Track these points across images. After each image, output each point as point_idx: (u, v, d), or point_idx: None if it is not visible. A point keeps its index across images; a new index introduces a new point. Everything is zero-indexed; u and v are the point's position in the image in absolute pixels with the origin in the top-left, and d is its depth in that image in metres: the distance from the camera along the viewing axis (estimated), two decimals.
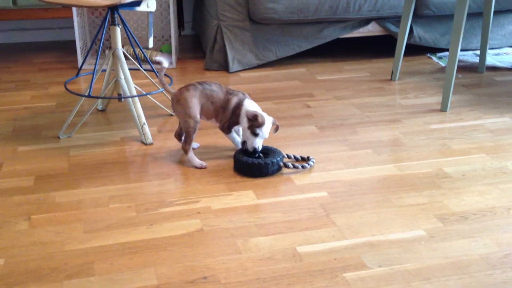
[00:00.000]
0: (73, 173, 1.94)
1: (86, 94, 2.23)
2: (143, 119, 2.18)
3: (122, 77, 2.25)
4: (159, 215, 1.69)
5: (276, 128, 2.01)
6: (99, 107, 2.49)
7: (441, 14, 3.09)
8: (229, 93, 1.98)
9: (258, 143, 1.93)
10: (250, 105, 1.96)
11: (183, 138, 2.01)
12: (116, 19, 2.20)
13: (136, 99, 2.20)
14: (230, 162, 2.02)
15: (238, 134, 2.07)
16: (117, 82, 2.27)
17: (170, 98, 2.01)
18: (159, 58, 1.98)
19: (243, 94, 2.00)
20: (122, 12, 3.17)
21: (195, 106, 1.94)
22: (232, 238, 1.58)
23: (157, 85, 2.46)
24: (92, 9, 3.24)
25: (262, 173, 1.90)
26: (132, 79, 2.27)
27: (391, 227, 1.62)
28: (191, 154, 1.98)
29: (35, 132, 2.27)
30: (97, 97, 2.26)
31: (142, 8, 2.21)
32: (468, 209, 1.71)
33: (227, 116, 1.98)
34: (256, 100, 2.58)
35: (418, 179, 1.89)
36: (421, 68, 3.05)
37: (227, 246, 1.54)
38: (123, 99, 2.32)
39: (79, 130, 2.27)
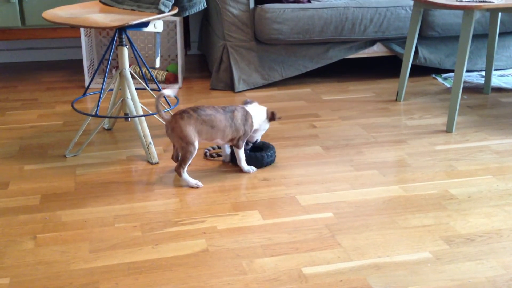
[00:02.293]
0: (79, 192, 1.95)
1: (93, 113, 2.25)
2: (149, 139, 2.19)
3: (129, 96, 2.26)
4: (164, 235, 1.69)
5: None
6: (106, 126, 2.50)
7: (446, 35, 3.11)
8: (228, 111, 2.01)
9: (259, 136, 2.15)
10: (255, 109, 2.07)
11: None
12: (123, 39, 2.23)
13: (143, 118, 2.21)
14: (235, 182, 2.02)
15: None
16: (124, 102, 2.29)
17: (164, 124, 2.00)
18: (167, 91, 1.97)
19: (239, 106, 2.05)
20: (130, 31, 3.20)
21: (191, 133, 1.93)
22: (237, 258, 1.57)
23: (164, 105, 2.48)
24: (100, 29, 3.27)
25: (263, 164, 2.12)
26: (139, 99, 2.28)
27: (397, 248, 1.61)
28: (185, 175, 1.98)
29: (41, 150, 2.28)
30: (104, 117, 2.28)
31: (150, 29, 2.23)
32: (474, 231, 1.70)
33: (240, 132, 2.01)
34: None
35: (424, 201, 1.88)
36: (427, 89, 3.06)
37: (232, 266, 1.54)
38: (129, 119, 2.34)
39: (85, 149, 2.28)
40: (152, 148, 2.19)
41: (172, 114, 1.98)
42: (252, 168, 2.09)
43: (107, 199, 1.90)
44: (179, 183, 2.01)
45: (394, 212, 1.81)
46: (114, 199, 1.90)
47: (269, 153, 2.13)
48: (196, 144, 1.96)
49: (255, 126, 2.06)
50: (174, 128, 1.94)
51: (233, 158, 2.14)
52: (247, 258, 1.58)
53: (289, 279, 1.48)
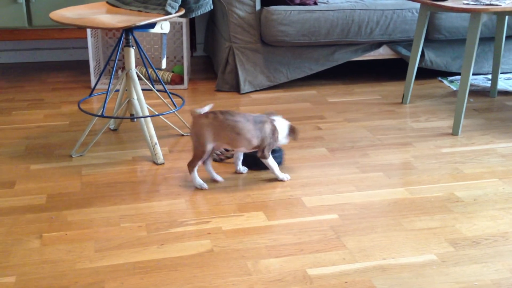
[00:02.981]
0: (85, 192, 1.95)
1: (99, 113, 2.25)
2: (155, 139, 2.20)
3: (135, 97, 2.27)
4: (169, 235, 1.69)
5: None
6: (112, 127, 2.51)
7: (452, 38, 3.10)
8: (258, 121, 1.97)
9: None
10: (281, 122, 2.03)
11: (243, 167, 2.10)
12: (130, 40, 2.24)
13: (148, 119, 2.22)
14: (241, 183, 2.02)
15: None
16: (130, 102, 2.29)
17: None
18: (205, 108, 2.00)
19: (267, 117, 2.01)
20: (137, 33, 3.21)
21: (207, 135, 1.92)
22: (242, 259, 1.57)
23: (169, 106, 2.48)
24: (107, 30, 3.28)
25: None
26: (145, 100, 2.29)
27: (402, 251, 1.61)
28: (193, 174, 1.98)
29: (47, 150, 2.29)
30: (110, 117, 2.29)
31: (156, 30, 2.24)
32: (480, 234, 1.70)
33: (267, 143, 1.98)
34: None
35: (430, 203, 1.88)
36: (433, 92, 3.05)
37: (237, 267, 1.54)
38: (135, 119, 2.35)
39: (91, 149, 2.29)
40: (158, 148, 2.19)
41: (204, 113, 1.97)
42: (286, 176, 2.04)
43: (113, 199, 1.90)
44: (184, 183, 2.02)
45: (400, 214, 1.81)
46: (119, 199, 1.91)
47: (277, 155, 2.11)
48: (208, 148, 1.94)
49: (283, 139, 2.04)
50: (194, 124, 1.95)
51: (250, 165, 2.13)
52: (252, 258, 1.58)
53: (294, 280, 1.48)
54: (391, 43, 3.12)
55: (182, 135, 2.46)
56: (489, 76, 3.19)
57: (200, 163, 1.98)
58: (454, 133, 2.46)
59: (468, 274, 1.50)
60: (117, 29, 2.08)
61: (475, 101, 2.90)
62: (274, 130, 1.99)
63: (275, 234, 1.70)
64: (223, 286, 1.46)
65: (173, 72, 3.23)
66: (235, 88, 3.06)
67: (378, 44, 3.12)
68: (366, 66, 3.49)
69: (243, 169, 2.11)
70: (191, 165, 1.98)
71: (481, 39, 3.12)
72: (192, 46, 3.71)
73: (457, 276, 1.49)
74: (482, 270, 1.52)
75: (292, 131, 2.04)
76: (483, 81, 3.17)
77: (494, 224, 1.75)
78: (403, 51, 3.12)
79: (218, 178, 2.05)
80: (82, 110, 2.30)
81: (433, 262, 1.56)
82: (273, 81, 3.07)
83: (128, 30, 2.22)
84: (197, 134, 1.94)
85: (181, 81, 3.16)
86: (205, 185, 1.99)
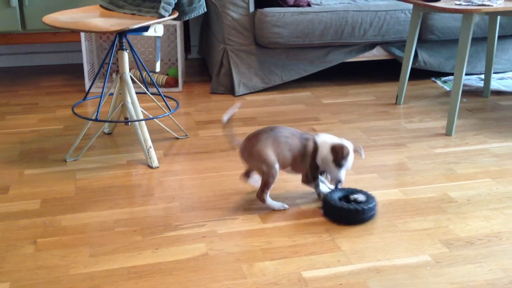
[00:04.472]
0: (79, 196, 1.95)
1: (93, 117, 2.25)
2: (149, 143, 2.20)
3: (129, 101, 2.27)
4: (164, 239, 1.69)
5: (360, 154, 1.86)
6: (106, 130, 2.51)
7: (445, 38, 3.11)
8: (303, 137, 1.84)
9: (342, 175, 1.84)
10: (324, 139, 1.84)
11: (256, 184, 1.90)
12: (124, 44, 2.24)
13: (143, 122, 2.22)
14: (236, 186, 2.02)
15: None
16: (124, 106, 2.29)
17: (239, 150, 1.87)
18: (226, 116, 1.86)
19: (312, 134, 1.88)
20: (130, 36, 3.21)
21: (271, 155, 1.78)
22: (237, 262, 1.58)
23: (164, 109, 2.48)
24: (100, 34, 3.28)
25: (358, 219, 1.76)
26: (139, 103, 2.29)
27: (396, 252, 1.62)
28: (269, 201, 1.84)
29: (42, 155, 2.29)
30: (104, 121, 2.29)
31: (150, 33, 2.24)
32: (473, 234, 1.70)
33: (307, 164, 1.84)
34: (262, 123, 2.60)
35: (424, 204, 1.88)
36: (426, 92, 3.06)
37: (232, 270, 1.54)
38: (129, 123, 2.34)
39: (85, 153, 2.28)
40: (152, 152, 2.19)
41: (247, 137, 1.84)
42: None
43: (107, 204, 1.90)
44: (179, 187, 2.02)
45: (394, 216, 1.81)
46: (114, 203, 1.91)
47: (371, 206, 1.78)
48: (277, 166, 1.80)
49: (324, 160, 1.83)
50: (252, 154, 1.80)
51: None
52: (247, 262, 1.58)
53: (289, 283, 1.48)
54: (384, 44, 3.13)
55: (177, 138, 2.46)
56: (482, 76, 3.20)
57: (272, 186, 1.82)
58: (448, 133, 2.47)
59: (462, 274, 1.51)
60: (111, 32, 2.08)
61: (468, 101, 2.91)
62: (315, 148, 1.83)
63: (270, 237, 1.70)
64: None
65: (167, 75, 3.24)
66: (230, 90, 3.06)
67: (372, 45, 3.13)
68: (360, 67, 3.50)
69: None
70: (263, 192, 1.82)
71: (473, 39, 3.13)
72: (187, 48, 3.72)
73: (451, 277, 1.50)
74: (476, 271, 1.52)
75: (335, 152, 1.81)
76: (476, 81, 3.18)
77: (487, 224, 1.76)
78: (397, 52, 3.13)
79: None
80: (76, 114, 2.29)
81: (427, 263, 1.56)
82: (267, 83, 3.08)
83: (122, 34, 2.22)
84: (260, 159, 1.78)
85: (175, 84, 3.16)
86: (286, 205, 1.86)
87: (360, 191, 1.86)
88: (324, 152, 1.82)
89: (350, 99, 2.97)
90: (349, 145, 1.84)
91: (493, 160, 2.22)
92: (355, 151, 1.86)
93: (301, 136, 1.85)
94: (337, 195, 1.84)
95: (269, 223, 1.78)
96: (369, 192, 1.87)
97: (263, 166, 1.80)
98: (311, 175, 1.87)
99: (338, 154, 1.80)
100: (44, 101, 2.95)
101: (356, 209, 1.75)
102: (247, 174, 1.95)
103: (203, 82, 3.28)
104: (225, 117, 1.86)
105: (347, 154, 1.80)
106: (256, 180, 1.93)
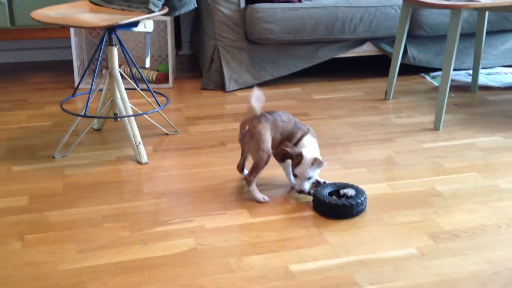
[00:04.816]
0: (68, 192, 1.95)
1: (82, 113, 2.25)
2: (139, 139, 2.20)
3: (119, 96, 2.27)
4: (153, 235, 1.70)
5: (317, 165, 1.82)
6: (95, 127, 2.51)
7: (435, 34, 3.13)
8: (296, 126, 1.91)
9: (299, 184, 1.84)
10: (307, 142, 1.87)
11: (245, 169, 1.99)
12: (113, 39, 2.23)
13: (132, 118, 2.22)
14: (224, 181, 2.03)
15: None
16: (113, 102, 2.29)
17: (240, 132, 1.89)
18: (254, 100, 1.87)
19: (307, 129, 1.92)
20: (120, 31, 3.20)
21: (268, 139, 1.85)
22: (225, 257, 1.58)
23: (154, 105, 2.48)
24: (90, 29, 3.27)
25: (348, 214, 1.77)
26: (129, 99, 2.29)
27: (383, 245, 1.63)
28: (253, 186, 1.88)
29: (30, 151, 2.28)
30: (93, 117, 2.29)
31: (140, 28, 2.24)
32: (459, 227, 1.72)
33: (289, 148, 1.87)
34: None
35: (411, 198, 1.90)
36: (415, 88, 3.08)
37: (220, 265, 1.55)
38: (119, 119, 2.34)
39: (74, 149, 2.28)
40: (142, 148, 2.20)
41: (249, 120, 1.86)
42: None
43: (96, 200, 1.90)
44: (168, 183, 2.02)
45: (381, 210, 1.82)
46: (103, 199, 1.91)
47: (359, 201, 1.78)
48: (271, 151, 1.86)
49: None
50: (253, 135, 1.83)
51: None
52: (235, 256, 1.59)
53: (277, 276, 1.49)
54: (374, 40, 3.14)
55: (167, 134, 2.46)
56: (470, 72, 3.22)
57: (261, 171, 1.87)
58: (436, 128, 2.48)
59: (447, 266, 1.52)
60: (100, 28, 2.08)
61: (457, 96, 2.92)
62: (299, 140, 1.88)
63: (258, 231, 1.71)
64: (206, 284, 1.47)
65: (158, 71, 3.23)
66: (221, 86, 3.06)
67: (362, 41, 3.14)
68: (350, 63, 3.51)
69: None
70: (252, 175, 1.86)
71: (462, 35, 3.15)
72: (177, 44, 3.71)
73: (437, 269, 1.51)
74: (461, 263, 1.54)
75: (315, 161, 1.82)
76: (464, 77, 3.20)
77: (473, 217, 1.77)
78: (386, 48, 3.15)
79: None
80: (64, 110, 2.29)
81: (413, 255, 1.58)
82: (258, 79, 3.08)
83: (111, 29, 2.22)
84: (258, 142, 1.83)
85: (166, 80, 3.16)
86: (266, 198, 1.89)
87: (350, 186, 1.87)
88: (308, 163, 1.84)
89: (340, 94, 2.98)
90: (310, 156, 1.82)
91: (480, 154, 2.23)
92: (313, 163, 1.82)
93: (295, 124, 1.92)
94: (326, 190, 1.85)
95: (258, 217, 1.79)
96: (359, 186, 1.88)
97: (259, 150, 1.84)
98: (281, 156, 1.92)
99: (292, 162, 1.86)
100: (33, 98, 2.94)
101: (345, 205, 1.76)
102: (241, 167, 2.00)
103: (194, 78, 3.28)
104: (255, 103, 1.87)
105: (297, 164, 1.83)
106: None
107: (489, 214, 1.79)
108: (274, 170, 2.09)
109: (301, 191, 1.86)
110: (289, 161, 1.91)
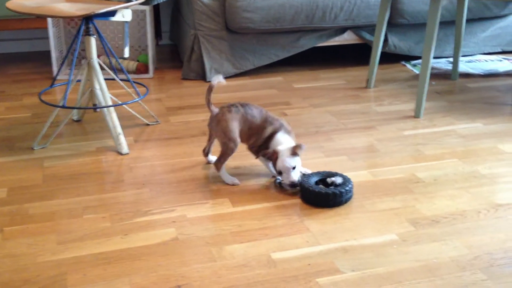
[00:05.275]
0: (47, 184, 1.93)
1: (61, 104, 2.22)
2: (119, 129, 2.18)
3: (98, 87, 2.24)
4: (134, 225, 1.68)
5: (298, 150, 1.83)
6: (75, 118, 2.48)
7: (415, 22, 3.14)
8: (266, 121, 1.90)
9: (290, 177, 1.82)
10: (280, 140, 1.88)
11: (213, 156, 2.02)
12: (90, 29, 2.20)
13: (112, 109, 2.19)
14: (206, 171, 2.02)
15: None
16: (92, 92, 2.27)
17: (209, 117, 1.94)
18: (215, 79, 1.91)
19: (280, 125, 1.91)
20: (99, 22, 3.16)
21: (235, 129, 1.88)
22: (207, 246, 1.58)
23: (133, 95, 2.46)
24: (68, 19, 3.23)
25: (336, 203, 1.77)
26: (108, 89, 2.26)
27: (364, 232, 1.64)
28: (223, 171, 1.93)
29: (8, 143, 2.25)
30: (72, 107, 2.26)
31: (118, 18, 2.21)
32: (439, 213, 1.74)
33: (259, 142, 1.91)
34: None
35: (392, 185, 1.91)
36: (396, 76, 3.09)
37: (202, 254, 1.54)
38: (98, 109, 2.32)
39: (54, 141, 2.25)
40: (122, 138, 2.18)
41: (220, 107, 1.91)
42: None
43: (76, 191, 1.88)
44: (150, 173, 2.01)
45: (363, 197, 1.83)
46: (83, 190, 1.89)
47: (348, 188, 1.79)
48: (238, 141, 1.89)
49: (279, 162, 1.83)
50: (219, 121, 1.88)
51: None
52: (217, 245, 1.58)
53: (258, 264, 1.49)
54: (355, 28, 3.14)
55: (148, 125, 2.44)
56: (451, 59, 3.24)
57: (228, 159, 1.91)
58: (416, 115, 2.50)
59: (427, 252, 1.54)
60: (77, 17, 2.05)
61: (437, 84, 2.94)
62: (271, 136, 1.89)
63: (240, 220, 1.71)
64: (187, 273, 1.46)
65: (138, 61, 3.20)
66: (201, 76, 3.05)
67: (343, 30, 3.14)
68: (331, 51, 3.51)
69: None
70: (220, 162, 1.91)
71: (442, 23, 3.16)
72: (157, 34, 3.68)
73: (417, 255, 1.53)
74: (441, 248, 1.55)
75: (294, 151, 1.84)
76: (445, 64, 3.22)
77: (453, 203, 1.79)
78: (367, 36, 3.15)
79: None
80: (43, 101, 2.26)
81: (394, 241, 1.59)
82: (239, 68, 3.07)
83: (88, 19, 2.19)
84: (224, 130, 1.87)
85: (146, 70, 3.13)
86: (237, 181, 1.92)
87: (335, 174, 1.87)
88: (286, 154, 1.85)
89: (321, 83, 2.98)
90: (286, 147, 1.84)
91: (460, 141, 2.25)
92: (295, 150, 1.83)
93: (266, 119, 1.91)
94: (313, 179, 1.84)
95: (239, 206, 1.79)
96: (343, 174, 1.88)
97: (225, 138, 1.88)
98: (255, 151, 1.94)
99: (272, 162, 1.87)
100: (10, 89, 2.89)
101: (335, 193, 1.76)
102: (206, 152, 2.04)
103: (175, 68, 3.25)
104: (214, 80, 1.91)
105: (275, 160, 1.84)
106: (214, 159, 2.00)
107: (469, 200, 1.81)
108: (255, 159, 2.08)
109: (293, 184, 1.83)
110: None
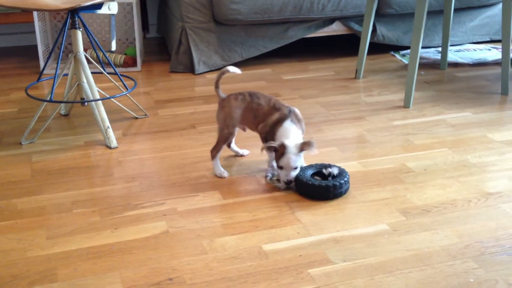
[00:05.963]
0: (36, 179, 1.91)
1: (48, 98, 2.20)
2: (107, 123, 2.16)
3: (85, 81, 2.22)
4: (124, 219, 1.67)
5: (309, 147, 1.75)
6: (62, 112, 2.45)
7: (403, 12, 3.14)
8: (274, 107, 1.84)
9: (289, 175, 1.77)
10: (288, 129, 1.80)
11: (241, 152, 2.05)
12: (76, 22, 2.18)
13: (100, 102, 2.17)
14: (196, 164, 2.01)
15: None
16: (79, 86, 2.24)
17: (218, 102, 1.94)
18: (231, 68, 1.92)
19: (289, 111, 1.82)
20: (85, 15, 3.13)
21: (236, 117, 1.87)
22: (198, 239, 1.57)
23: (121, 89, 2.44)
24: (53, 13, 3.19)
25: (336, 194, 1.76)
26: (96, 83, 2.24)
27: (355, 222, 1.64)
28: (215, 161, 1.91)
29: None
30: (59, 102, 2.23)
31: (103, 11, 2.19)
32: (430, 202, 1.74)
33: (265, 130, 1.86)
34: None
35: (382, 175, 1.91)
36: (385, 66, 3.09)
37: (193, 247, 1.54)
38: (86, 103, 2.30)
39: (42, 135, 2.23)
40: (111, 132, 2.16)
41: (229, 94, 1.91)
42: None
43: (65, 185, 1.87)
44: (139, 166, 1.99)
45: (353, 187, 1.83)
46: (72, 185, 1.87)
47: (346, 178, 1.78)
48: (234, 130, 1.90)
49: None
50: (223, 107, 1.89)
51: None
52: (208, 238, 1.58)
53: (250, 256, 1.49)
54: (343, 19, 3.14)
55: (136, 118, 2.42)
56: (439, 49, 3.24)
57: (224, 147, 1.92)
58: (406, 105, 2.50)
59: (418, 241, 1.54)
60: (62, 10, 2.02)
61: (426, 74, 2.95)
62: (277, 123, 1.81)
63: (230, 212, 1.70)
64: (178, 266, 1.45)
65: (125, 54, 3.17)
66: (190, 69, 3.03)
67: (331, 20, 3.13)
68: (320, 42, 3.50)
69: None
70: (215, 150, 1.90)
71: (430, 13, 3.16)
72: (145, 27, 3.65)
73: (408, 244, 1.53)
74: (432, 237, 1.56)
75: (305, 144, 1.76)
76: (433, 54, 3.23)
77: (443, 192, 1.79)
78: (356, 27, 3.14)
79: (245, 152, 2.06)
80: (30, 96, 2.23)
81: (385, 231, 1.59)
82: (227, 61, 3.05)
83: (74, 12, 2.16)
84: (225, 116, 1.88)
85: (134, 64, 3.11)
86: (226, 174, 1.91)
87: (329, 165, 1.85)
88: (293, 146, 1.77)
89: (310, 74, 2.97)
90: (293, 147, 1.76)
91: (450, 130, 2.26)
92: (304, 148, 1.76)
93: (274, 106, 1.86)
94: (308, 172, 1.81)
95: (230, 199, 1.78)
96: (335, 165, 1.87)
97: (224, 124, 1.89)
98: (263, 138, 1.90)
99: (276, 154, 1.78)
100: None
101: (335, 184, 1.74)
102: (228, 143, 2.01)
103: (163, 61, 3.23)
104: (231, 69, 1.91)
105: (280, 155, 1.76)
106: (238, 150, 2.05)
107: (459, 189, 1.81)
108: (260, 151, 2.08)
109: (289, 182, 1.78)
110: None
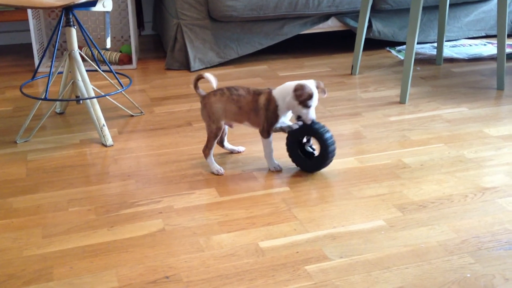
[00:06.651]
0: (31, 178, 1.90)
1: (43, 97, 2.19)
2: (103, 121, 2.15)
3: (80, 78, 2.21)
4: (120, 217, 1.67)
5: (323, 90, 1.86)
6: (58, 110, 2.44)
7: (399, 8, 3.13)
8: (256, 93, 1.88)
9: (313, 114, 1.84)
10: (282, 87, 1.86)
11: (234, 149, 2.06)
12: (71, 20, 2.17)
13: (95, 100, 2.16)
14: (192, 161, 2.01)
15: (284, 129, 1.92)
16: (74, 84, 2.24)
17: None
18: (208, 75, 1.92)
19: (270, 89, 1.89)
20: (80, 12, 3.11)
21: (219, 111, 1.88)
22: (194, 236, 1.57)
23: (117, 87, 2.43)
24: (48, 10, 3.18)
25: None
26: (91, 81, 2.23)
27: (351, 218, 1.64)
28: (209, 159, 1.92)
29: None
30: (54, 100, 2.22)
31: (98, 8, 2.18)
32: (426, 198, 1.74)
33: (263, 117, 1.87)
34: None
35: (378, 171, 1.91)
36: (381, 62, 3.09)
37: (189, 244, 1.53)
38: (81, 101, 2.29)
39: (37, 134, 2.22)
40: (106, 130, 2.15)
41: (208, 92, 1.93)
42: (279, 166, 1.93)
43: (61, 184, 1.86)
44: (135, 164, 1.99)
45: (350, 184, 1.83)
46: (68, 183, 1.86)
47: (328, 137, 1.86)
48: (221, 124, 1.90)
49: (281, 113, 1.86)
50: (205, 105, 1.90)
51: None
52: (204, 235, 1.57)
53: (246, 253, 1.49)
54: (339, 15, 3.13)
55: (132, 116, 2.42)
56: (435, 44, 3.24)
57: (215, 144, 1.92)
58: (402, 101, 2.50)
59: (415, 237, 1.54)
60: (56, 8, 2.01)
61: (422, 69, 2.95)
62: (269, 101, 1.85)
63: (227, 209, 1.70)
64: (175, 264, 1.45)
65: (121, 52, 3.16)
66: (185, 66, 3.02)
67: (326, 16, 3.12)
68: (316, 39, 3.49)
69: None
70: (207, 148, 1.91)
71: (426, 8, 3.16)
72: (140, 25, 3.64)
73: (405, 240, 1.53)
74: (429, 233, 1.56)
75: (317, 85, 1.85)
76: (429, 49, 3.23)
77: (440, 188, 1.79)
78: (351, 23, 3.14)
79: (241, 148, 2.07)
80: (24, 94, 2.22)
81: (382, 227, 1.59)
82: (223, 58, 3.04)
83: (68, 9, 2.15)
84: (208, 113, 1.89)
85: (129, 61, 3.09)
86: (222, 170, 1.91)
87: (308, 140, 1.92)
88: (287, 99, 1.82)
89: (306, 71, 2.97)
90: (310, 83, 1.84)
91: (446, 125, 2.26)
92: (318, 87, 1.85)
93: (254, 92, 1.89)
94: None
95: (226, 196, 1.77)
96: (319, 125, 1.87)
97: (210, 121, 1.90)
98: (267, 130, 1.88)
99: (302, 96, 1.80)
100: None
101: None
102: (220, 141, 2.02)
103: (158, 59, 3.22)
104: (208, 76, 1.93)
105: (310, 93, 1.80)
106: (234, 148, 2.06)
107: (455, 184, 1.81)
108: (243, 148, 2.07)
109: (313, 121, 1.85)
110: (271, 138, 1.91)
